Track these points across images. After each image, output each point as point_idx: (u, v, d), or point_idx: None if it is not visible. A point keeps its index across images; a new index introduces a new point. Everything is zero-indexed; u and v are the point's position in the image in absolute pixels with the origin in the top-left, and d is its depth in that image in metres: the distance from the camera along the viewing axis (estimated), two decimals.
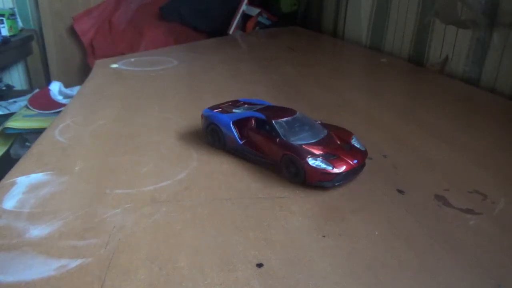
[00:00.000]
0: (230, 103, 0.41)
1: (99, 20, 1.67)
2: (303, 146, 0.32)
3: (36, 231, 0.25)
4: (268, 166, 0.33)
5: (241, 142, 0.35)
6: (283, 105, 0.39)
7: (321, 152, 0.31)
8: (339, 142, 0.33)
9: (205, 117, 0.39)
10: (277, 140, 0.33)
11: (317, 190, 0.30)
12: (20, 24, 1.85)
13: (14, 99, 1.67)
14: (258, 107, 0.38)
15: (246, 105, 0.40)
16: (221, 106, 0.40)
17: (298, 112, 0.36)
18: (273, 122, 0.34)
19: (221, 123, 0.37)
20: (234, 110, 0.38)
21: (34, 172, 0.33)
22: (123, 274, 0.22)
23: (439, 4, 0.68)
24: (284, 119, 0.34)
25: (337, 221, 0.27)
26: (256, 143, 0.35)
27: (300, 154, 0.31)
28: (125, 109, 0.48)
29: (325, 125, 0.36)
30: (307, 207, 0.28)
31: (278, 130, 0.33)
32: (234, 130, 0.36)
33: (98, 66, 0.72)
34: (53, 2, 1.80)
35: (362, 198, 0.29)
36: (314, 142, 0.33)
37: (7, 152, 1.01)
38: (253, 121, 0.36)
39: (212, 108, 0.39)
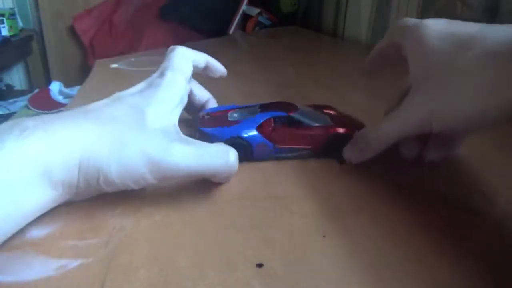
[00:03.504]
0: (208, 115, 0.37)
1: (99, 20, 1.67)
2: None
3: (36, 231, 0.25)
4: (306, 157, 0.34)
5: (273, 146, 0.33)
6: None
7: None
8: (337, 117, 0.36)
9: (211, 135, 0.33)
10: (310, 127, 0.34)
11: (317, 190, 0.30)
12: (20, 24, 1.85)
13: (14, 99, 1.67)
14: (254, 108, 0.36)
15: (236, 110, 0.37)
16: (207, 119, 0.36)
17: (297, 104, 0.37)
18: (296, 114, 0.35)
19: (249, 135, 0.33)
20: (229, 119, 0.35)
21: None
22: (123, 274, 0.22)
23: (439, 4, 0.68)
24: (299, 110, 0.35)
25: (337, 221, 0.27)
26: (286, 140, 0.34)
27: (351, 128, 0.34)
28: None
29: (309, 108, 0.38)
30: (307, 207, 0.28)
31: (304, 120, 0.34)
32: (263, 137, 0.33)
33: (98, 66, 0.72)
34: (53, 2, 1.80)
35: (363, 198, 0.29)
36: (333, 123, 0.35)
37: None
38: (272, 121, 0.34)
39: (205, 123, 0.35)
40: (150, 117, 0.27)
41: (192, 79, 0.37)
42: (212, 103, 0.39)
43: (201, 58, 0.35)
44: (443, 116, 0.27)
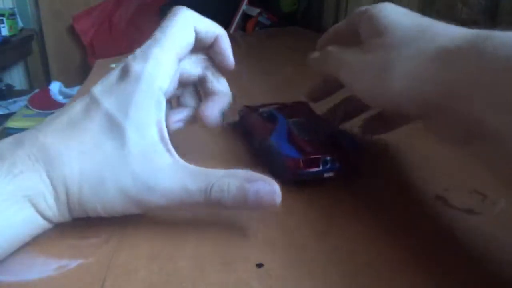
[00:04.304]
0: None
1: (99, 20, 1.67)
2: None
3: None
4: None
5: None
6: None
7: None
8: None
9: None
10: None
11: (317, 190, 0.30)
12: (20, 24, 1.85)
13: (14, 99, 1.67)
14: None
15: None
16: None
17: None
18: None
19: None
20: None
21: None
22: (123, 274, 0.22)
23: (439, 4, 0.68)
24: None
25: (337, 221, 0.27)
26: None
27: None
28: None
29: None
30: (307, 207, 0.28)
31: None
32: None
33: (98, 66, 0.73)
34: (53, 2, 1.80)
35: (362, 198, 0.29)
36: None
37: None
38: None
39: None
40: (131, 137, 0.23)
41: (209, 65, 0.29)
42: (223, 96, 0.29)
43: (211, 30, 0.27)
44: (371, 92, 0.27)
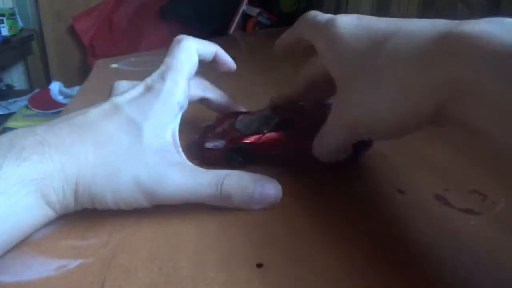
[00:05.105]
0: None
1: (99, 20, 1.67)
2: None
3: (36, 231, 0.25)
4: None
5: None
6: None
7: None
8: None
9: None
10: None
11: (316, 190, 0.30)
12: (20, 24, 1.85)
13: (14, 99, 1.68)
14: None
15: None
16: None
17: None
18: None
19: None
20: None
21: None
22: (123, 274, 0.22)
23: (439, 4, 0.68)
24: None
25: (337, 221, 0.27)
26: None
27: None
28: None
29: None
30: (307, 207, 0.28)
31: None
32: None
33: (98, 66, 0.73)
34: (53, 2, 1.80)
35: (362, 198, 0.29)
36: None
37: None
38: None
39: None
40: (147, 135, 0.25)
41: (207, 87, 0.36)
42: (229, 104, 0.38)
43: (209, 50, 0.31)
44: (365, 123, 0.25)
